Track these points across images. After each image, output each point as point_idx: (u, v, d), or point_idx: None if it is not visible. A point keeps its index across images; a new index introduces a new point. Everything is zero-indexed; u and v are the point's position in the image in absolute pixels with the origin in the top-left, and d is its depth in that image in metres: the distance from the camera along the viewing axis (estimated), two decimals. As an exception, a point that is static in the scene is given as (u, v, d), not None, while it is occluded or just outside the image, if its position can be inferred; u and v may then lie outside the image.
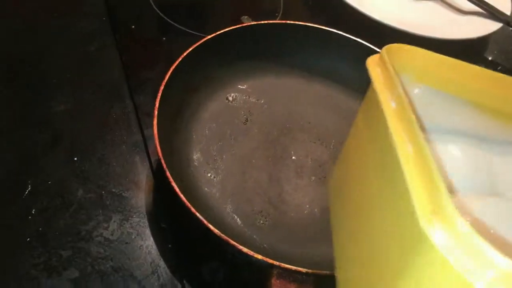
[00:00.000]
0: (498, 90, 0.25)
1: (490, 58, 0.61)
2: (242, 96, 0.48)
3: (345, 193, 0.28)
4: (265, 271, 0.32)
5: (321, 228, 0.39)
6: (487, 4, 0.60)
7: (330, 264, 0.28)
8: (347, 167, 0.29)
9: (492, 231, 0.21)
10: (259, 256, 0.31)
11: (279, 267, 0.31)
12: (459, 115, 0.26)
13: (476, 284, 0.15)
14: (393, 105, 0.21)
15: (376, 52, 0.46)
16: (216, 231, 0.32)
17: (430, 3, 0.64)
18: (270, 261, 0.31)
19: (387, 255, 0.20)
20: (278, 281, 0.31)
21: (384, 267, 0.20)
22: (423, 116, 0.26)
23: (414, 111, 0.26)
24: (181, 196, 0.33)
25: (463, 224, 0.16)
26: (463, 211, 0.21)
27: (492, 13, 0.60)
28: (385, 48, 0.25)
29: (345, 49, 0.48)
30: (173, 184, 0.33)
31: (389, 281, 0.19)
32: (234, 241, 0.31)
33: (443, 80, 0.26)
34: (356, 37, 0.48)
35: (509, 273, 0.15)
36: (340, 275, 0.26)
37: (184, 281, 0.35)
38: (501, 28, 0.58)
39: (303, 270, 0.31)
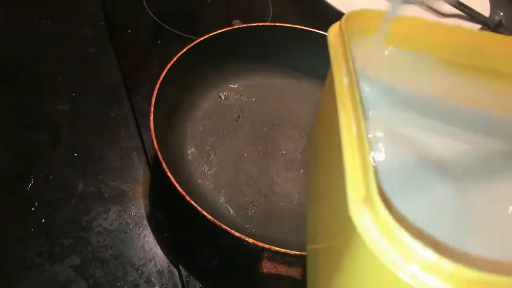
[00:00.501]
0: (468, 45, 0.24)
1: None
2: (234, 95, 0.50)
3: (312, 170, 0.28)
4: (256, 255, 0.34)
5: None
6: (467, 7, 0.63)
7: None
8: (315, 144, 0.28)
9: (419, 223, 0.20)
10: (251, 240, 0.34)
11: (269, 250, 0.34)
12: (428, 74, 0.25)
13: (399, 274, 0.15)
14: (345, 80, 0.20)
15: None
16: (210, 217, 0.34)
17: (412, 6, 0.67)
18: (261, 244, 0.34)
19: (335, 237, 0.20)
20: (268, 263, 0.33)
21: (332, 250, 0.20)
22: (392, 78, 0.25)
23: (379, 80, 0.25)
24: (177, 185, 0.35)
25: (387, 215, 0.15)
26: (394, 205, 0.20)
27: (472, 15, 0.63)
28: (346, 14, 0.24)
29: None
30: (169, 175, 0.35)
31: (332, 264, 0.19)
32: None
33: (411, 40, 0.25)
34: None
35: (431, 263, 0.14)
36: (308, 248, 0.27)
37: (180, 267, 0.37)
38: (481, 29, 0.61)
39: (292, 252, 0.33)
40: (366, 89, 0.26)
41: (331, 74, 0.21)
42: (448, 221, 0.21)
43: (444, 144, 0.24)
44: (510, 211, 0.22)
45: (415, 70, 0.26)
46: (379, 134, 0.23)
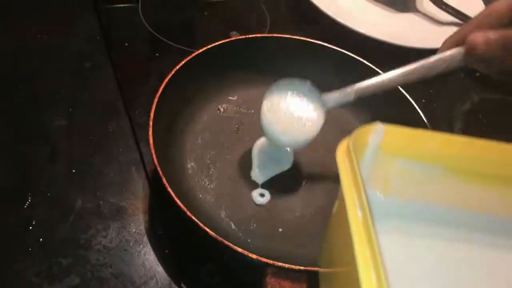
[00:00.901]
0: (469, 152, 0.26)
1: (469, 66, 0.63)
2: (233, 107, 0.50)
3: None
4: (260, 270, 0.33)
5: (313, 230, 0.40)
6: (463, 14, 0.63)
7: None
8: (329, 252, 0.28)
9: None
10: (254, 256, 0.33)
11: (273, 265, 0.33)
12: (436, 184, 0.27)
13: None
14: (359, 214, 0.20)
15: (359, 62, 0.49)
16: (211, 233, 0.33)
17: (410, 15, 0.68)
18: (264, 260, 0.33)
19: None
20: (272, 279, 0.33)
21: None
22: (402, 192, 0.27)
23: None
24: (177, 201, 0.34)
25: None
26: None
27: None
28: (352, 135, 0.24)
29: (329, 59, 0.50)
30: (169, 190, 0.35)
31: None
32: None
33: (416, 151, 0.26)
34: (339, 47, 0.50)
35: None
36: None
37: (182, 284, 0.36)
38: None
39: (296, 267, 0.33)
40: (376, 204, 0.27)
41: (343, 200, 0.21)
42: None
43: (454, 248, 0.26)
44: None
45: (423, 180, 0.27)
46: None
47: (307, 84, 0.42)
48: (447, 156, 0.26)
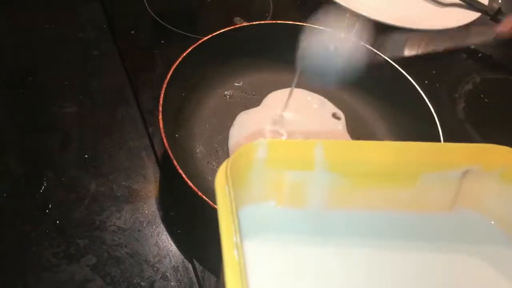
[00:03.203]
0: (353, 156, 0.25)
1: (471, 47, 0.64)
2: (239, 93, 0.50)
3: None
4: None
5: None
6: (466, -4, 0.63)
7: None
8: None
9: None
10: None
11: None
12: (329, 190, 0.26)
13: None
14: (235, 255, 0.20)
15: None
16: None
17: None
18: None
19: None
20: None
21: None
22: (296, 201, 0.26)
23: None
24: (188, 181, 0.35)
25: None
26: None
27: (471, 4, 0.63)
28: (232, 157, 0.23)
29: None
30: (180, 171, 0.36)
31: None
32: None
33: (301, 160, 0.25)
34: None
35: None
36: None
37: (195, 262, 0.37)
38: (480, 18, 0.62)
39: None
40: (271, 214, 0.27)
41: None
42: None
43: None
44: None
45: (314, 188, 0.27)
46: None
47: None
48: (334, 162, 0.26)
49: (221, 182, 0.22)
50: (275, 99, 0.50)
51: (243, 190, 0.25)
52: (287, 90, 0.51)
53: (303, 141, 0.25)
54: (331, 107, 0.50)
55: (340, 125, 0.48)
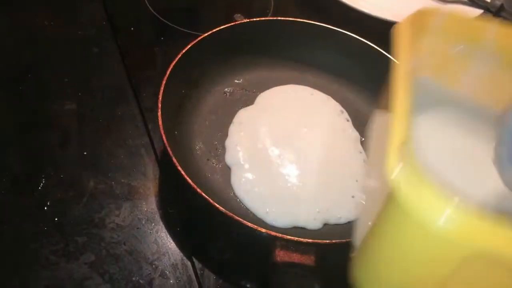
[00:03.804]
0: None
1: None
2: (239, 90, 0.50)
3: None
4: (269, 244, 0.34)
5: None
6: (467, -8, 0.63)
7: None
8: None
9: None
10: (264, 230, 0.34)
11: (282, 239, 0.34)
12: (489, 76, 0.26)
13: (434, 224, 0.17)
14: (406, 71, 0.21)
15: (365, 44, 0.49)
16: (222, 209, 0.34)
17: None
18: (274, 234, 0.34)
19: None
20: (281, 252, 0.33)
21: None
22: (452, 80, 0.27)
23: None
24: (188, 179, 0.35)
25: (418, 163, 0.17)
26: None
27: (473, 1, 0.63)
28: (412, 15, 0.24)
29: (334, 42, 0.51)
30: (180, 168, 0.36)
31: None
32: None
33: (473, 38, 0.25)
34: (344, 30, 0.50)
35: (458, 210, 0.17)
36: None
37: (194, 259, 0.37)
38: (482, 14, 0.61)
39: (304, 240, 0.34)
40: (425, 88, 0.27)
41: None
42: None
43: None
44: None
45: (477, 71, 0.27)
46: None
47: None
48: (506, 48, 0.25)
49: (405, 33, 0.24)
50: (275, 96, 0.50)
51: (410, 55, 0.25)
52: (288, 86, 0.51)
53: (477, 19, 0.26)
54: (334, 104, 0.50)
55: (345, 121, 0.48)
